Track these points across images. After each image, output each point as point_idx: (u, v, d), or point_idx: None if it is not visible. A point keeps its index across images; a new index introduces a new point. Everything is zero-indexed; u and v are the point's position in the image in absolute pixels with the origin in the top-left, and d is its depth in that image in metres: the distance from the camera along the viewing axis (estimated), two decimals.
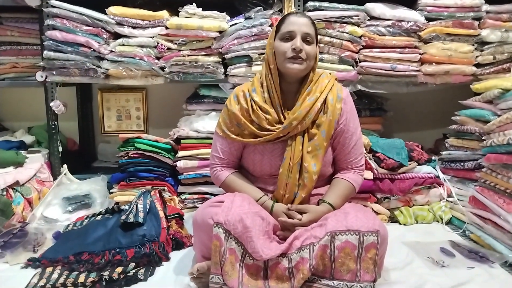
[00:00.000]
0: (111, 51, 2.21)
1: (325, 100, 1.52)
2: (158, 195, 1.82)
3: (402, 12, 2.25)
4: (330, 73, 1.63)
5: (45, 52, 2.19)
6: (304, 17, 1.51)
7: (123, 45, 2.21)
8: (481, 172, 1.85)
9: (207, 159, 2.14)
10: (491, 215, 1.73)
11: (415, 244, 1.78)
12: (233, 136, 1.57)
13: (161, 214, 1.70)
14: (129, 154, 2.15)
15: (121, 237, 1.58)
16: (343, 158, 1.58)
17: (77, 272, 1.43)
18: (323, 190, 1.60)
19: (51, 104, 2.26)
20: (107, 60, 2.21)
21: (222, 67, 2.27)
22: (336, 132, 1.55)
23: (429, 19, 2.28)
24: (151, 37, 2.21)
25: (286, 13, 2.21)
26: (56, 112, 2.29)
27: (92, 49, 2.18)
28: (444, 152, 2.17)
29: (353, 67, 2.28)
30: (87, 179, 2.24)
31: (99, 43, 2.18)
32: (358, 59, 2.28)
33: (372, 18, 2.27)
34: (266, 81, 1.55)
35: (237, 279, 1.32)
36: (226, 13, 2.25)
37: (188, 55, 2.22)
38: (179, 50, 2.22)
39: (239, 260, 1.34)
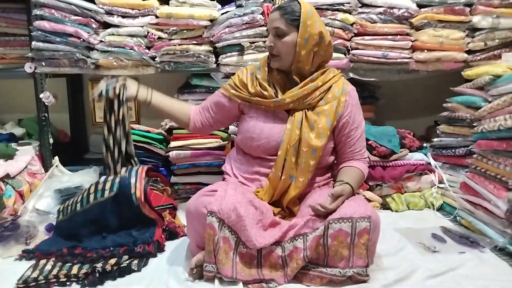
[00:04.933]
0: (101, 41, 2.18)
1: (327, 91, 1.57)
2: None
3: None
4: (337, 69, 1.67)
5: (33, 43, 2.15)
6: (275, 11, 1.54)
7: (113, 34, 2.17)
8: (472, 158, 1.86)
9: (200, 149, 2.16)
10: (481, 200, 1.75)
11: (407, 231, 1.80)
12: (233, 91, 1.64)
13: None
14: None
15: (115, 237, 1.58)
16: (348, 149, 1.60)
17: (70, 264, 1.43)
18: (322, 180, 1.62)
19: (41, 95, 2.24)
20: (97, 50, 2.18)
21: (213, 56, 2.25)
22: (342, 124, 1.58)
23: (420, 6, 2.27)
24: (141, 27, 2.18)
25: (278, 2, 2.19)
26: (46, 103, 2.26)
27: (81, 39, 2.14)
28: (435, 139, 2.18)
29: (345, 55, 2.28)
30: (79, 171, 2.22)
31: (88, 33, 2.15)
32: (350, 46, 2.27)
33: (364, 5, 2.26)
34: (270, 69, 1.62)
35: (231, 267, 1.33)
36: (216, 1, 2.23)
37: (179, 44, 2.19)
38: (170, 39, 2.20)
39: (233, 249, 1.35)
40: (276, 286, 1.33)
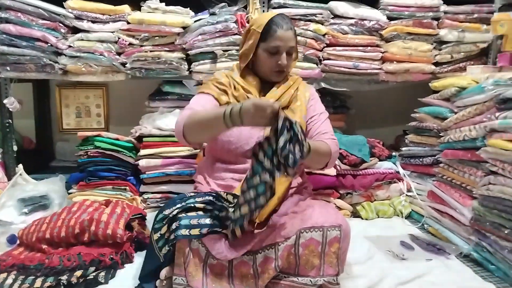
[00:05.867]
0: (70, 46, 2.13)
1: (297, 89, 1.64)
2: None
3: (365, 11, 2.29)
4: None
5: None
6: (289, 31, 1.54)
7: (82, 40, 2.13)
8: (438, 167, 1.92)
9: (171, 157, 2.13)
10: (448, 208, 1.80)
11: (376, 239, 1.83)
12: (217, 91, 1.58)
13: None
14: (89, 153, 2.08)
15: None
16: (315, 132, 1.60)
17: (34, 277, 1.37)
18: (295, 187, 1.61)
19: (5, 101, 2.16)
20: (65, 55, 2.13)
21: (186, 63, 2.23)
22: (308, 114, 1.63)
23: (390, 18, 2.34)
24: (112, 32, 2.15)
25: (251, 10, 2.21)
26: (10, 109, 2.18)
27: (49, 44, 2.09)
28: (404, 148, 2.23)
29: (317, 65, 2.31)
30: (44, 179, 2.14)
31: (56, 37, 2.09)
32: (322, 57, 2.31)
33: (336, 16, 2.30)
34: (244, 75, 1.62)
35: (201, 279, 1.30)
36: (189, 9, 2.22)
37: (151, 51, 2.17)
38: (141, 46, 2.17)
39: (203, 261, 1.32)
40: None
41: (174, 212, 1.32)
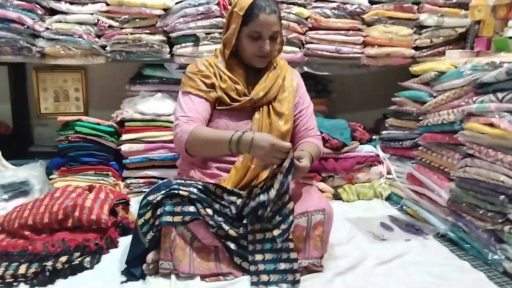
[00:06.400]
0: (47, 28, 2.06)
1: (284, 78, 1.60)
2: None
3: None
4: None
5: None
6: (273, 15, 1.48)
7: (60, 22, 2.07)
8: (417, 150, 1.96)
9: (154, 142, 2.11)
10: (426, 190, 1.86)
11: (357, 220, 1.87)
12: (205, 89, 1.53)
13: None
14: (69, 138, 2.04)
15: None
16: (303, 127, 1.63)
17: (17, 264, 1.35)
18: None
19: None
20: (43, 38, 2.07)
21: (167, 46, 2.20)
22: (296, 105, 1.62)
23: (372, 2, 2.35)
24: (91, 14, 2.09)
25: None
26: None
27: (25, 26, 2.02)
28: (384, 132, 2.28)
29: (300, 49, 2.31)
30: (23, 165, 2.10)
31: (33, 19, 2.03)
32: (305, 40, 2.31)
33: (318, 0, 2.30)
34: (229, 62, 1.58)
35: (188, 263, 1.32)
36: None
37: (131, 33, 2.13)
38: (121, 28, 2.13)
39: (189, 245, 1.34)
40: (233, 279, 1.34)
41: (158, 198, 1.32)
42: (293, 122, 1.62)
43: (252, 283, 1.31)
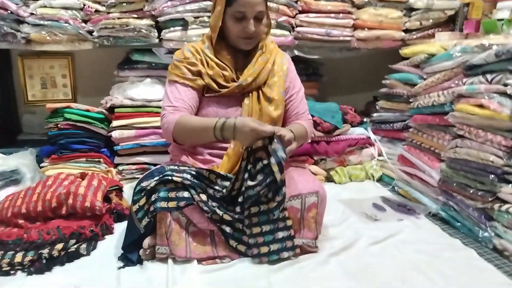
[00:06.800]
0: (32, 14, 2.01)
1: (274, 63, 1.57)
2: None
3: None
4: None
5: None
6: None
7: (45, 7, 2.02)
8: (408, 132, 1.99)
9: (145, 128, 2.10)
10: (417, 171, 1.89)
11: (350, 201, 1.90)
12: (191, 77, 1.50)
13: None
14: (59, 125, 2.01)
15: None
16: (293, 112, 1.61)
17: (13, 252, 1.35)
18: None
19: None
20: (28, 23, 2.02)
21: (155, 30, 2.17)
22: (286, 90, 1.60)
23: None
24: None
25: None
26: None
27: (9, 11, 1.97)
28: (375, 114, 2.30)
29: (290, 32, 2.30)
30: (13, 154, 2.08)
31: (17, 4, 1.98)
32: (295, 24, 2.29)
33: None
34: (216, 46, 1.54)
35: (184, 248, 1.33)
36: None
37: (118, 18, 2.09)
38: (108, 13, 2.09)
39: (185, 229, 1.34)
40: (229, 262, 1.36)
41: (152, 184, 1.32)
42: (284, 107, 1.61)
43: (253, 256, 1.33)
